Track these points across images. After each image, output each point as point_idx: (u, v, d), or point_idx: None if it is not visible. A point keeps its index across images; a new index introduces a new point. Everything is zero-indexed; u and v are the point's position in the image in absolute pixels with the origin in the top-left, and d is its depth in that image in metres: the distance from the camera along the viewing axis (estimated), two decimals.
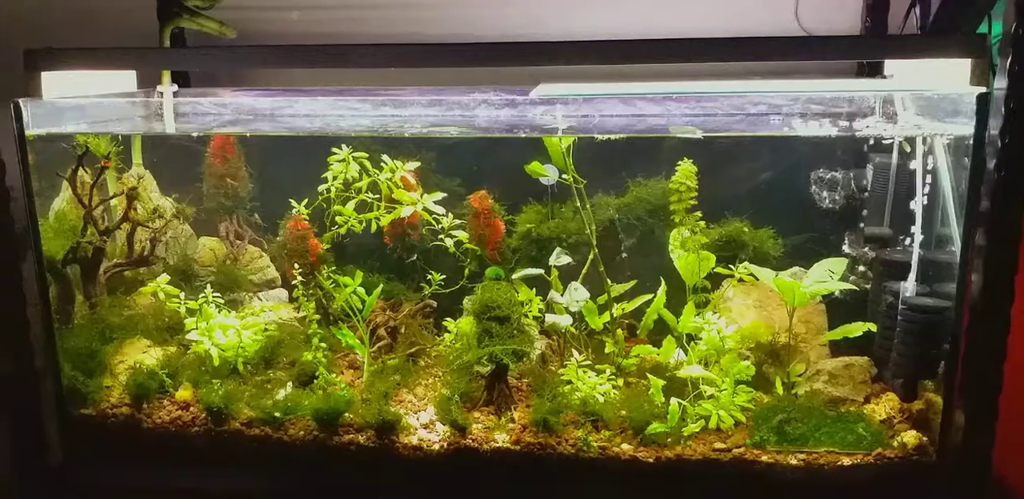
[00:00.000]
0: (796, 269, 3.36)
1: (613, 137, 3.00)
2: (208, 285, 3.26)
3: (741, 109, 3.37)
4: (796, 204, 3.47)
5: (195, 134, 3.30)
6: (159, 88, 3.57)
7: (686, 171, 3.15)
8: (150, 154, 3.66)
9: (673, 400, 2.93)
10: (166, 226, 3.32)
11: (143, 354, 3.27)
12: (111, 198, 3.21)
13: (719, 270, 3.27)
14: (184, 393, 3.17)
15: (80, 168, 3.09)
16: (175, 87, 3.60)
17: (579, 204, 3.26)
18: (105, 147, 2.94)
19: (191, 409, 3.14)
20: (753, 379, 3.03)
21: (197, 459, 3.09)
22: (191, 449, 3.09)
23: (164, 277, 3.20)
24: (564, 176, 3.28)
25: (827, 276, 3.12)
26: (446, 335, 3.48)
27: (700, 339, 3.05)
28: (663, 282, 3.32)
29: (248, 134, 3.46)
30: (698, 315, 3.15)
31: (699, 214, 3.18)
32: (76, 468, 3.10)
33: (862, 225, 3.31)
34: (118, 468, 3.12)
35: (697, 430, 2.89)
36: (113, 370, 3.22)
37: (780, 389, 3.08)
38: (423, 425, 3.08)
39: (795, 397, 3.03)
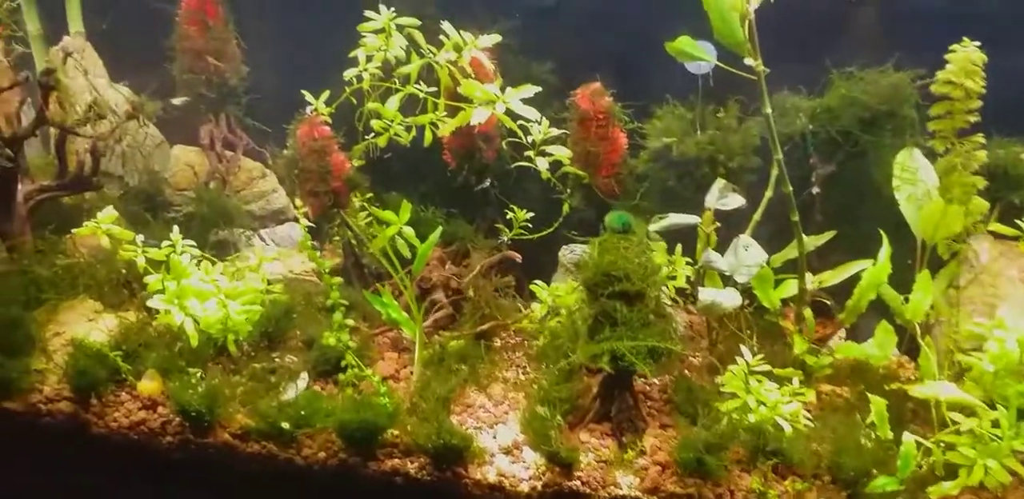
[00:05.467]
0: None
1: None
2: (179, 225, 2.23)
3: None
4: None
5: None
6: None
7: (966, 61, 1.90)
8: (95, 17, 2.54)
9: (908, 437, 1.89)
10: (116, 133, 2.24)
11: (89, 322, 2.31)
12: (10, 88, 2.11)
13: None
14: (150, 385, 2.26)
15: None
16: None
17: (763, 104, 2.06)
18: None
19: (160, 410, 2.23)
20: None
21: (170, 482, 2.28)
22: (161, 467, 2.24)
23: (110, 214, 2.16)
24: (739, 57, 2.05)
25: None
26: (534, 306, 2.43)
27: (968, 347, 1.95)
28: (886, 240, 2.17)
29: None
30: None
31: (980, 139, 1.97)
32: None
33: None
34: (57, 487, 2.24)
35: (954, 493, 1.85)
36: (46, 346, 2.27)
37: None
38: (503, 449, 2.15)
39: None
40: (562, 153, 2.42)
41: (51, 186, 2.37)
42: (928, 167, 2.27)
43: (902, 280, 2.25)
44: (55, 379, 2.31)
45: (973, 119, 1.94)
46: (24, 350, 2.31)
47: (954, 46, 1.93)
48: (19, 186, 2.32)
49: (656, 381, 2.35)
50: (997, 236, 2.27)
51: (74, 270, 2.37)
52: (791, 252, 2.32)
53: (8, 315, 2.29)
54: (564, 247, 2.58)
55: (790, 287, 2.32)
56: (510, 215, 2.55)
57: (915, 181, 2.27)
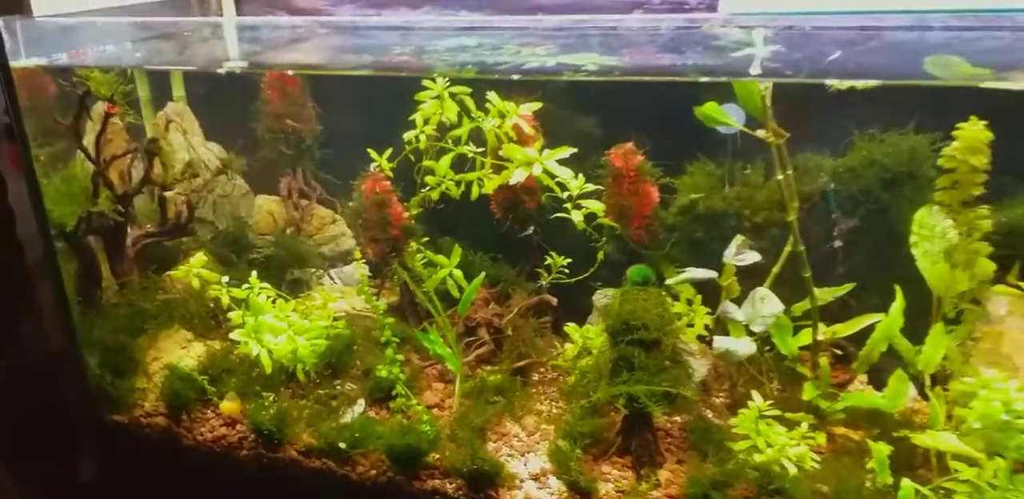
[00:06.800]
0: None
1: (860, 85, 1.95)
2: (255, 271, 2.58)
3: None
4: None
5: (233, 69, 2.47)
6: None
7: (973, 138, 2.04)
8: (194, 85, 2.96)
9: (907, 484, 2.01)
10: (208, 186, 2.63)
11: (182, 350, 2.69)
12: (123, 155, 2.53)
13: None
14: (230, 405, 2.60)
15: (84, 113, 2.40)
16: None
17: (778, 165, 2.26)
18: (109, 87, 2.22)
19: (238, 427, 2.56)
20: None
21: (245, 489, 2.60)
22: (239, 476, 2.57)
23: (199, 258, 2.53)
24: (755, 123, 2.26)
25: None
26: (567, 347, 2.66)
27: (968, 396, 2.07)
28: (899, 294, 2.31)
29: (291, 72, 2.65)
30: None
31: (984, 211, 2.10)
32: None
33: None
34: (154, 491, 2.63)
35: None
36: (147, 368, 2.67)
37: None
38: (532, 475, 2.37)
39: None
40: (595, 206, 2.66)
41: (154, 232, 2.76)
42: (947, 224, 2.39)
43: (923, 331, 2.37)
44: (153, 397, 2.67)
45: (977, 192, 2.06)
46: (130, 372, 2.67)
47: (961, 124, 2.06)
48: (128, 232, 2.76)
49: (678, 419, 2.54)
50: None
51: (171, 304, 2.72)
52: (826, 295, 2.48)
53: (119, 342, 2.65)
54: (598, 291, 2.78)
55: (809, 335, 2.48)
56: (549, 261, 2.80)
57: (932, 238, 2.38)
